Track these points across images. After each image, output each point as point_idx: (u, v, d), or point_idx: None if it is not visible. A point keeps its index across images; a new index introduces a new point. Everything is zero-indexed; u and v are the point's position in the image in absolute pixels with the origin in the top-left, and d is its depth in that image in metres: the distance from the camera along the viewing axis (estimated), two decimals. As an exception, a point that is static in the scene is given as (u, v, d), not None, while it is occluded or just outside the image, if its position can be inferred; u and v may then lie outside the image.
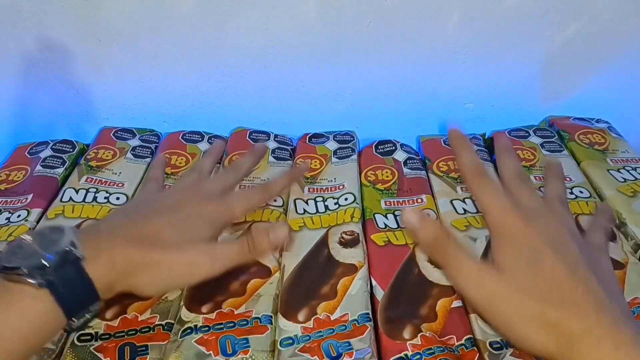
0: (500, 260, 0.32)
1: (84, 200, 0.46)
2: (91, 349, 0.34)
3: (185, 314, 0.37)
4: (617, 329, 0.28)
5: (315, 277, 0.39)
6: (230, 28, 0.52)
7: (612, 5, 0.53)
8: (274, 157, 0.53)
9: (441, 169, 0.51)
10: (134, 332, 0.35)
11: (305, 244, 0.42)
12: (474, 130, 0.59)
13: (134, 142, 0.55)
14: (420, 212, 0.33)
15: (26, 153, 0.53)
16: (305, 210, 0.46)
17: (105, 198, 0.46)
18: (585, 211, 0.45)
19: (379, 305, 0.38)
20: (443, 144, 0.55)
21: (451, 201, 0.47)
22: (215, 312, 0.37)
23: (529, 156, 0.53)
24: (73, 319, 0.30)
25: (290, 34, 0.53)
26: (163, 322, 0.36)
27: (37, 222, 0.44)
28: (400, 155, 0.53)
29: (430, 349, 0.34)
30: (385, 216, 0.45)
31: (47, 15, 0.50)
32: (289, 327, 0.36)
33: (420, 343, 0.35)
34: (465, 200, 0.47)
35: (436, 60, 0.56)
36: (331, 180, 0.50)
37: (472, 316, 0.37)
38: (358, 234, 0.43)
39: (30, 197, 0.46)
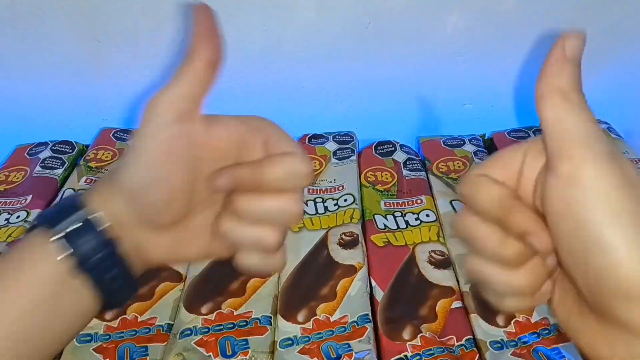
0: None
1: (83, 201, 0.46)
2: (91, 349, 0.34)
3: (184, 314, 0.37)
4: None
5: (315, 278, 0.39)
6: (230, 28, 0.52)
7: (612, 5, 0.53)
8: (273, 157, 0.53)
9: (440, 169, 0.51)
10: (133, 333, 0.35)
11: (304, 245, 0.42)
12: (474, 130, 0.59)
13: (134, 142, 0.55)
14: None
15: (25, 154, 0.53)
16: (304, 211, 0.46)
17: (104, 199, 0.46)
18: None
19: (378, 306, 0.38)
20: (442, 145, 0.55)
21: (451, 202, 0.47)
22: (215, 312, 0.37)
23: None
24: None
25: (290, 34, 0.53)
26: (163, 323, 0.36)
27: (37, 222, 0.44)
28: (399, 156, 0.53)
29: (430, 349, 0.34)
30: (385, 217, 0.45)
31: (47, 15, 0.50)
32: (288, 328, 0.36)
33: (420, 344, 0.35)
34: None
35: (436, 60, 0.56)
36: (331, 181, 0.50)
37: (472, 316, 0.37)
38: (357, 235, 0.43)
39: (29, 198, 0.46)
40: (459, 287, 0.39)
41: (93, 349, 0.34)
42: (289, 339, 0.35)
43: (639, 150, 0.53)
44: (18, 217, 0.44)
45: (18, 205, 0.46)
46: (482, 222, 0.23)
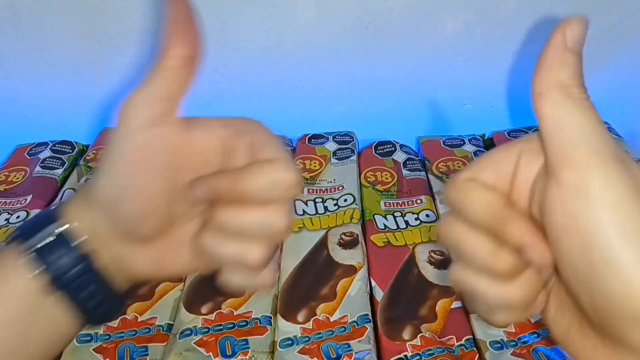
0: None
1: (83, 201, 0.46)
2: (91, 349, 0.34)
3: (184, 314, 0.37)
4: None
5: (315, 278, 0.39)
6: (230, 28, 0.52)
7: (612, 6, 0.53)
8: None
9: (440, 169, 0.51)
10: (133, 333, 0.35)
11: (304, 245, 0.42)
12: (473, 130, 0.59)
13: (134, 142, 0.55)
14: None
15: (25, 154, 0.53)
16: (304, 211, 0.46)
17: (104, 199, 0.46)
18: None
19: (378, 306, 0.38)
20: (442, 145, 0.55)
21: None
22: (215, 312, 0.37)
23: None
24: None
25: (290, 34, 0.53)
26: (163, 323, 0.36)
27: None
28: (399, 156, 0.53)
29: (430, 349, 0.34)
30: (385, 217, 0.45)
31: (47, 16, 0.50)
32: (288, 328, 0.36)
33: (420, 344, 0.35)
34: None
35: (436, 60, 0.56)
36: (331, 181, 0.50)
37: (472, 316, 0.37)
38: (357, 235, 0.43)
39: (29, 198, 0.46)
40: (459, 287, 0.39)
41: (93, 349, 0.34)
42: (289, 339, 0.35)
43: (639, 151, 0.53)
44: (18, 217, 0.44)
45: (18, 205, 0.46)
46: (471, 230, 0.21)
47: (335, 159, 0.53)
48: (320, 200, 0.47)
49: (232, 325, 0.36)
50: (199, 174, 0.22)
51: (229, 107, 0.58)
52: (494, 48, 0.55)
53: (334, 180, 0.50)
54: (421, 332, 0.36)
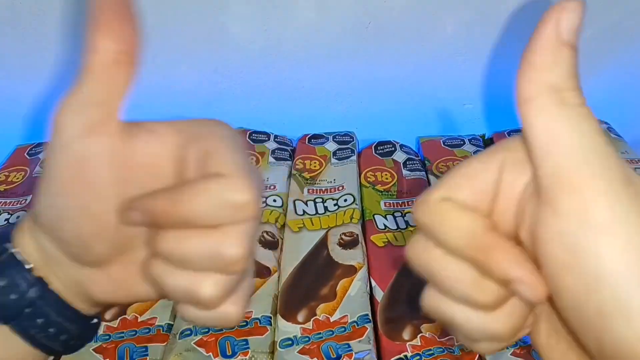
0: None
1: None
2: (91, 349, 0.34)
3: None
4: None
5: (315, 278, 0.39)
6: (230, 28, 0.52)
7: (612, 6, 0.53)
8: (273, 157, 0.53)
9: (440, 169, 0.51)
10: (133, 333, 0.35)
11: (304, 245, 0.42)
12: (473, 130, 0.59)
13: (134, 142, 0.55)
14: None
15: (25, 154, 0.53)
16: (304, 212, 0.46)
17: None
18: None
19: (378, 306, 0.38)
20: (442, 145, 0.55)
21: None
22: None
23: (528, 157, 0.53)
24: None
25: (290, 34, 0.53)
26: (163, 324, 0.36)
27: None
28: (399, 156, 0.53)
29: (430, 349, 0.34)
30: (385, 217, 0.45)
31: (47, 15, 0.50)
32: (288, 328, 0.36)
33: (420, 344, 0.35)
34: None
35: (436, 60, 0.56)
36: (331, 182, 0.50)
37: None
38: (357, 235, 0.43)
39: (29, 198, 0.46)
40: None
41: (93, 349, 0.34)
42: (289, 339, 0.35)
43: (639, 150, 0.53)
44: (18, 217, 0.44)
45: (18, 205, 0.46)
46: (448, 257, 0.18)
47: (335, 159, 0.53)
48: (320, 200, 0.47)
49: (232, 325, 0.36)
50: (151, 188, 0.19)
51: (229, 107, 0.58)
52: (494, 48, 0.55)
53: (334, 180, 0.50)
54: (421, 332, 0.36)
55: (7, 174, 0.50)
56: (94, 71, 0.18)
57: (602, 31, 0.54)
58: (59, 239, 0.20)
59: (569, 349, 0.18)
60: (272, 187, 0.48)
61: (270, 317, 0.37)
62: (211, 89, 0.56)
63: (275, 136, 0.57)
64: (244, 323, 0.36)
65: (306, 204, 0.47)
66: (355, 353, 0.34)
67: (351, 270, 0.40)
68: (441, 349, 0.34)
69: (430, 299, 0.19)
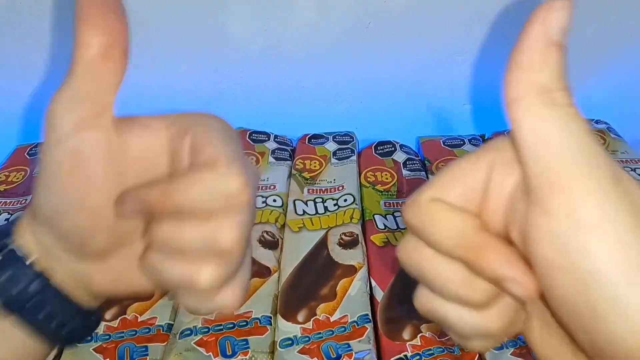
0: None
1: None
2: (91, 349, 0.34)
3: (184, 314, 0.37)
4: None
5: (315, 278, 0.39)
6: (230, 28, 0.52)
7: (612, 6, 0.53)
8: (273, 157, 0.53)
9: (440, 169, 0.51)
10: (133, 333, 0.35)
11: (304, 245, 0.42)
12: (473, 130, 0.59)
13: (134, 142, 0.55)
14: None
15: (26, 154, 0.53)
16: (304, 212, 0.46)
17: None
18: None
19: (378, 306, 0.38)
20: (442, 145, 0.55)
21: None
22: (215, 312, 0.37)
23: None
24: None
25: (290, 34, 0.53)
26: (163, 323, 0.36)
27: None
28: (399, 156, 0.53)
29: (430, 349, 0.34)
30: (385, 217, 0.45)
31: (47, 15, 0.50)
32: (288, 328, 0.36)
33: (420, 344, 0.35)
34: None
35: (436, 60, 0.56)
36: (331, 182, 0.50)
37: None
38: (357, 235, 0.43)
39: (29, 198, 0.46)
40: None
41: (93, 349, 0.34)
42: (289, 339, 0.35)
43: (639, 150, 0.53)
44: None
45: (18, 205, 0.46)
46: (438, 257, 0.18)
47: (335, 159, 0.53)
48: (320, 200, 0.47)
49: (232, 325, 0.36)
50: (146, 181, 0.19)
51: (229, 108, 0.58)
52: (494, 48, 0.55)
53: (334, 180, 0.50)
54: (421, 332, 0.36)
55: (7, 174, 0.50)
56: (82, 66, 0.18)
57: (602, 31, 0.54)
58: (57, 233, 0.20)
59: (562, 344, 0.18)
60: (272, 187, 0.48)
61: (270, 317, 0.37)
62: (211, 89, 0.56)
63: (275, 136, 0.57)
64: (244, 323, 0.36)
65: (306, 204, 0.47)
66: (355, 353, 0.34)
67: (351, 270, 0.40)
68: (441, 349, 0.34)
69: (423, 299, 0.19)
